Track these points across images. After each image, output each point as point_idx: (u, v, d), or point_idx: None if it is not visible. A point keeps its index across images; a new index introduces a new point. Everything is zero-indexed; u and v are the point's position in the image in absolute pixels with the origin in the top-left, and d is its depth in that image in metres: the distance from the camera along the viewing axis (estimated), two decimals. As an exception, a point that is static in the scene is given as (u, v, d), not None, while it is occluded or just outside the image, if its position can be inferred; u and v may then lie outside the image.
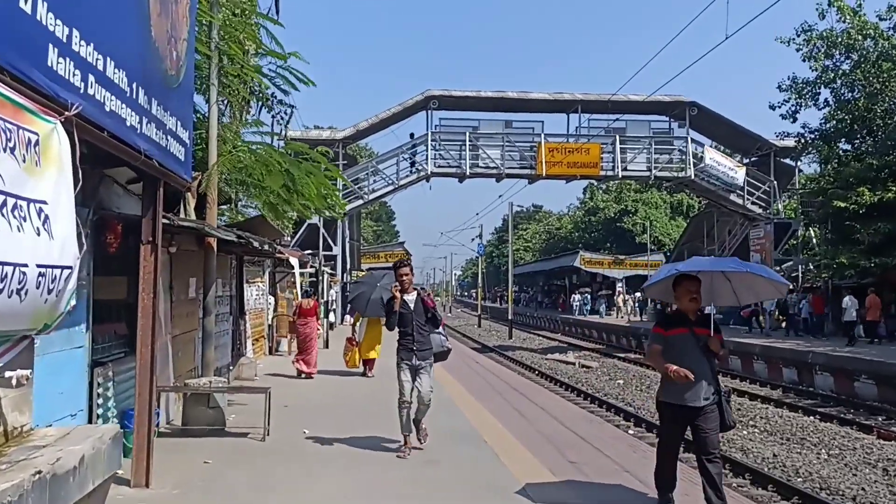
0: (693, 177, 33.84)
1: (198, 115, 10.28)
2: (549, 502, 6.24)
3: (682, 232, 48.40)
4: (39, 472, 3.06)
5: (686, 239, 42.72)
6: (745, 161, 36.09)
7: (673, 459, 6.09)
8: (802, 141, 30.18)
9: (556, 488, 6.75)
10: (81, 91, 4.48)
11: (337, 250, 34.46)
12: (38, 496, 3.06)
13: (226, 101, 10.31)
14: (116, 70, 5.05)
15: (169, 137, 6.46)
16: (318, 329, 15.81)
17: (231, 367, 13.67)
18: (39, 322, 3.84)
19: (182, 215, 8.52)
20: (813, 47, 28.50)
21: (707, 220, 39.42)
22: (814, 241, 35.01)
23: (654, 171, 34.35)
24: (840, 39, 27.84)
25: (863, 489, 10.56)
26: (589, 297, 51.09)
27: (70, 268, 4.03)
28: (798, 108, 29.53)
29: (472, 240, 66.08)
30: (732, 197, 34.47)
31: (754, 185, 34.51)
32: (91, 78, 4.61)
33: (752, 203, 34.50)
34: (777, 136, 31.99)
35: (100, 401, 6.68)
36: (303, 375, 14.80)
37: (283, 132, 12.81)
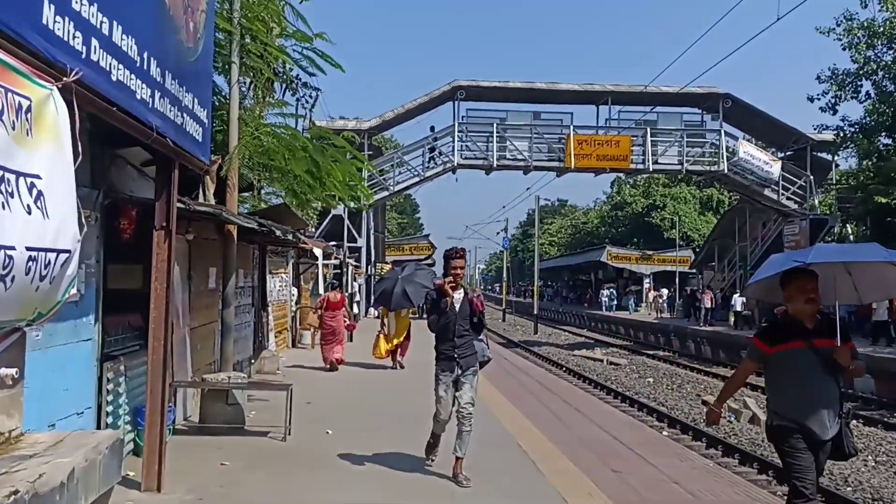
0: (726, 171, 32.95)
1: (219, 96, 9.82)
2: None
3: (712, 228, 47.37)
4: (16, 491, 2.58)
5: (717, 234, 41.69)
6: (780, 155, 35.10)
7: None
8: (842, 134, 29.24)
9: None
10: (83, 56, 4.01)
11: (361, 242, 34.05)
12: (15, 521, 2.58)
13: (248, 83, 9.85)
14: (125, 36, 4.58)
15: (185, 115, 5.99)
16: (346, 320, 15.53)
17: (252, 361, 13.26)
18: (29, 312, 3.37)
19: (201, 201, 8.05)
20: (854, 37, 27.54)
21: (739, 216, 38.41)
22: (851, 237, 34.02)
23: (685, 165, 33.50)
24: (882, 29, 26.85)
25: (920, 501, 9.91)
26: (614, 292, 50.34)
27: (68, 251, 3.56)
28: (838, 100, 28.58)
29: (497, 233, 65.50)
30: (767, 192, 33.52)
31: (790, 179, 33.53)
32: (94, 42, 4.14)
33: (788, 198, 33.54)
34: (815, 130, 31.02)
35: (110, 397, 6.23)
36: (328, 366, 14.67)
37: (308, 115, 12.30)
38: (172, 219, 5.98)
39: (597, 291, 55.48)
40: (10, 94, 3.22)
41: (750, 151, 33.27)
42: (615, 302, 49.55)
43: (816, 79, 28.68)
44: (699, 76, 62.06)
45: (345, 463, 7.19)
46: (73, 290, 3.71)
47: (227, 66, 9.05)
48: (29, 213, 3.27)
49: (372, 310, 34.10)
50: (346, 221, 31.84)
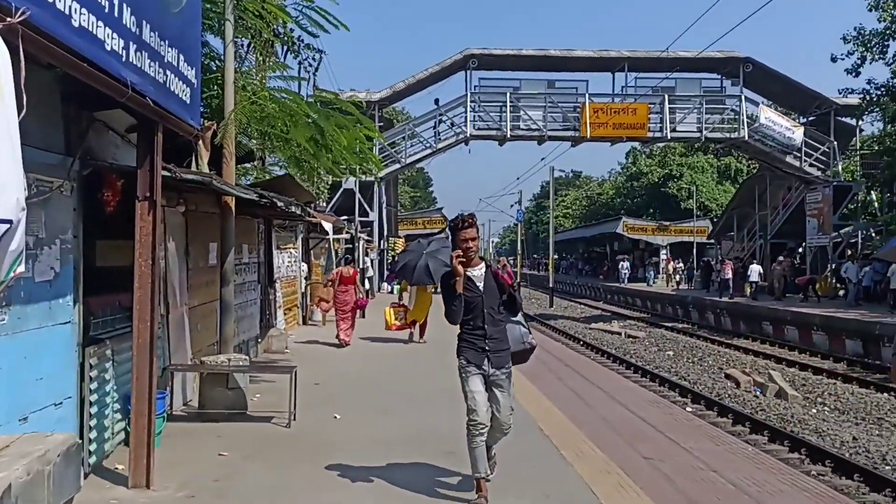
0: (746, 138, 31.99)
1: (216, 60, 9.19)
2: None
3: (731, 197, 46.37)
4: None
5: (736, 203, 40.69)
6: (802, 121, 34.06)
7: None
8: (867, 97, 28.19)
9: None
10: (33, -7, 3.41)
11: (373, 216, 33.46)
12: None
13: (245, 45, 9.22)
14: (89, -25, 3.98)
15: (168, 73, 5.39)
16: (359, 295, 15.24)
17: (259, 340, 12.75)
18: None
19: (193, 169, 7.46)
20: (881, -3, 26.39)
21: (759, 184, 37.40)
22: (875, 204, 33.05)
23: (704, 132, 32.51)
24: (912, -13, 25.72)
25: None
26: (629, 264, 49.61)
27: (8, 222, 2.99)
28: (863, 61, 27.50)
29: (511, 206, 64.80)
30: (789, 159, 32.53)
31: (812, 146, 32.52)
32: (48, -21, 3.54)
33: (810, 165, 32.56)
34: (839, 94, 29.95)
35: (93, 385, 5.68)
36: (340, 342, 14.59)
37: (311, 79, 11.63)
38: (157, 188, 5.41)
39: (614, 264, 54.71)
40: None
41: (771, 117, 32.27)
42: (631, 273, 48.84)
43: (842, 38, 27.58)
44: (719, 38, 60.54)
45: (349, 451, 6.60)
46: (20, 269, 3.14)
47: (221, 26, 8.40)
48: (-44, 175, 2.71)
49: (385, 284, 33.69)
50: (358, 195, 31.25)
